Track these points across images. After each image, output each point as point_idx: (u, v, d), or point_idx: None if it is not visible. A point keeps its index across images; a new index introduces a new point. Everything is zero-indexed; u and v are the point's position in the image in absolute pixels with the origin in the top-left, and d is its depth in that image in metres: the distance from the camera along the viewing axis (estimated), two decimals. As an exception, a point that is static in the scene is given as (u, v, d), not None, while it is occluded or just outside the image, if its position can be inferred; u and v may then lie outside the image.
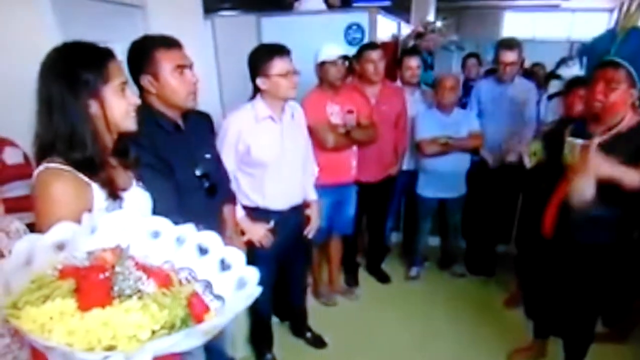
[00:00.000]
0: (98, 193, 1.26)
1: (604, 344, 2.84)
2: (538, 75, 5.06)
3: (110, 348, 0.86)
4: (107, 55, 1.31)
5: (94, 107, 1.27)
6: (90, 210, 1.21)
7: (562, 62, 4.74)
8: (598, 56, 2.17)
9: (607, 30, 2.28)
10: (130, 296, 0.94)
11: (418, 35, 5.34)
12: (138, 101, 1.39)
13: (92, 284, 0.94)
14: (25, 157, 2.24)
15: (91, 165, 1.26)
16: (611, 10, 10.69)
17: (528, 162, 2.82)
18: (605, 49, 2.13)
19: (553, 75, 4.22)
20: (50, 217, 1.14)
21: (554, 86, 3.74)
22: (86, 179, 1.25)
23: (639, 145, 2.05)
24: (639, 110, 2.18)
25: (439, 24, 7.27)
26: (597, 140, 2.00)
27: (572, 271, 2.32)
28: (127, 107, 1.34)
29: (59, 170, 1.22)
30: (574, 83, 2.91)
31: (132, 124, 1.37)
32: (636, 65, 2.03)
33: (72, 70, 1.24)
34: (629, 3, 2.21)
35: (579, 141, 2.14)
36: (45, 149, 1.26)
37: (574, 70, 3.88)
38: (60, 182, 1.21)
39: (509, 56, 3.43)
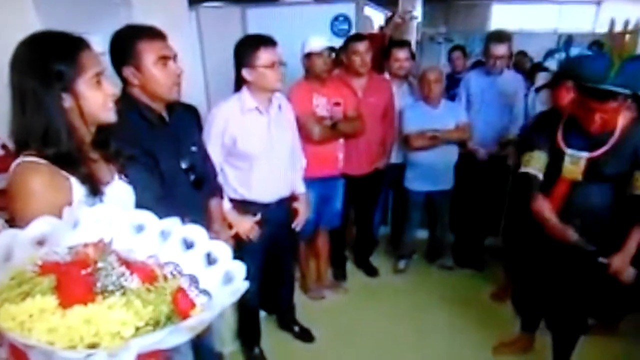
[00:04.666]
0: (77, 187, 1.23)
1: (593, 337, 2.85)
2: (524, 67, 5.07)
3: (93, 346, 0.83)
4: (79, 44, 1.25)
5: (67, 101, 1.22)
6: (69, 204, 1.18)
7: (549, 54, 4.75)
8: (591, 80, 2.03)
9: (600, 55, 2.26)
10: (113, 292, 0.91)
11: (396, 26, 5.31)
12: (116, 91, 1.34)
13: (74, 280, 0.91)
14: (5, 148, 2.17)
15: (68, 161, 1.22)
16: (598, 3, 10.78)
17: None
18: (600, 74, 1.98)
19: (540, 67, 4.22)
20: (28, 212, 1.11)
21: (542, 78, 3.74)
22: (65, 173, 1.21)
23: (636, 149, 2.10)
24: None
25: (417, 13, 7.25)
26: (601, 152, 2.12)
27: (566, 264, 2.33)
28: (104, 98, 1.28)
29: (35, 163, 1.18)
30: (561, 76, 2.91)
31: (111, 115, 1.32)
32: (634, 88, 2.00)
33: (43, 61, 1.19)
34: (623, 29, 2.24)
35: (584, 154, 2.16)
36: (21, 144, 1.22)
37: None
38: (38, 175, 1.17)
39: (500, 49, 3.44)
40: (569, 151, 2.19)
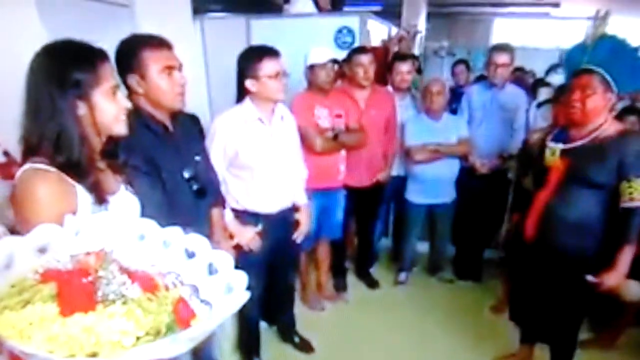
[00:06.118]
0: (83, 195, 1.23)
1: (592, 350, 2.86)
2: (525, 82, 5.09)
3: (93, 355, 0.83)
4: (99, 55, 1.27)
5: (82, 109, 1.23)
6: (74, 213, 1.17)
7: (552, 69, 4.77)
8: (572, 67, 2.33)
9: (579, 43, 2.41)
10: (114, 301, 0.91)
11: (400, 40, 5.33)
12: (129, 105, 1.35)
13: (75, 289, 0.91)
14: (7, 155, 2.16)
15: (77, 169, 1.22)
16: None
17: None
18: (578, 59, 2.27)
19: (542, 82, 4.24)
20: (33, 219, 1.10)
21: (544, 93, 3.74)
22: (72, 180, 1.21)
23: (620, 161, 2.11)
24: (612, 114, 2.31)
25: (421, 27, 7.28)
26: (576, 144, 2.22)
27: (554, 276, 2.34)
28: (117, 111, 1.30)
29: (44, 170, 1.18)
30: (562, 90, 2.92)
31: (123, 127, 1.33)
32: (609, 71, 2.12)
33: (62, 68, 1.20)
34: (595, 17, 2.41)
35: (560, 145, 2.27)
36: (31, 150, 1.22)
37: (562, 77, 3.90)
38: (46, 183, 1.17)
39: (501, 57, 3.45)
40: (550, 144, 2.32)
